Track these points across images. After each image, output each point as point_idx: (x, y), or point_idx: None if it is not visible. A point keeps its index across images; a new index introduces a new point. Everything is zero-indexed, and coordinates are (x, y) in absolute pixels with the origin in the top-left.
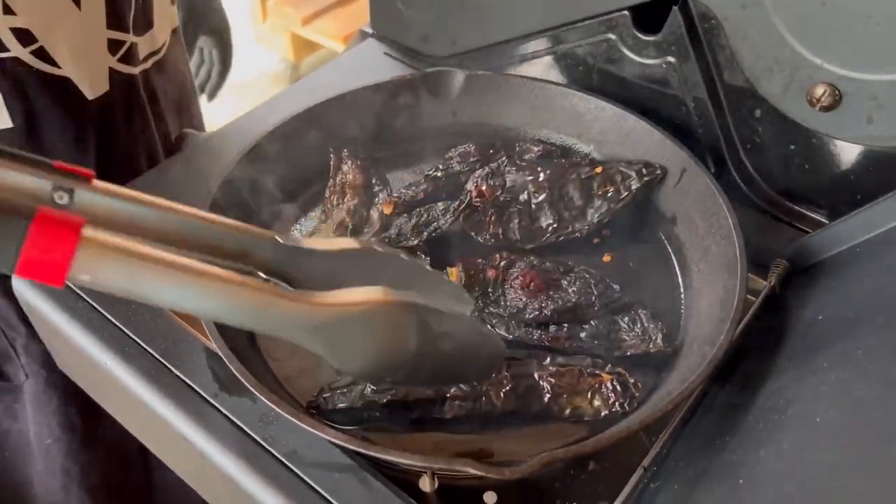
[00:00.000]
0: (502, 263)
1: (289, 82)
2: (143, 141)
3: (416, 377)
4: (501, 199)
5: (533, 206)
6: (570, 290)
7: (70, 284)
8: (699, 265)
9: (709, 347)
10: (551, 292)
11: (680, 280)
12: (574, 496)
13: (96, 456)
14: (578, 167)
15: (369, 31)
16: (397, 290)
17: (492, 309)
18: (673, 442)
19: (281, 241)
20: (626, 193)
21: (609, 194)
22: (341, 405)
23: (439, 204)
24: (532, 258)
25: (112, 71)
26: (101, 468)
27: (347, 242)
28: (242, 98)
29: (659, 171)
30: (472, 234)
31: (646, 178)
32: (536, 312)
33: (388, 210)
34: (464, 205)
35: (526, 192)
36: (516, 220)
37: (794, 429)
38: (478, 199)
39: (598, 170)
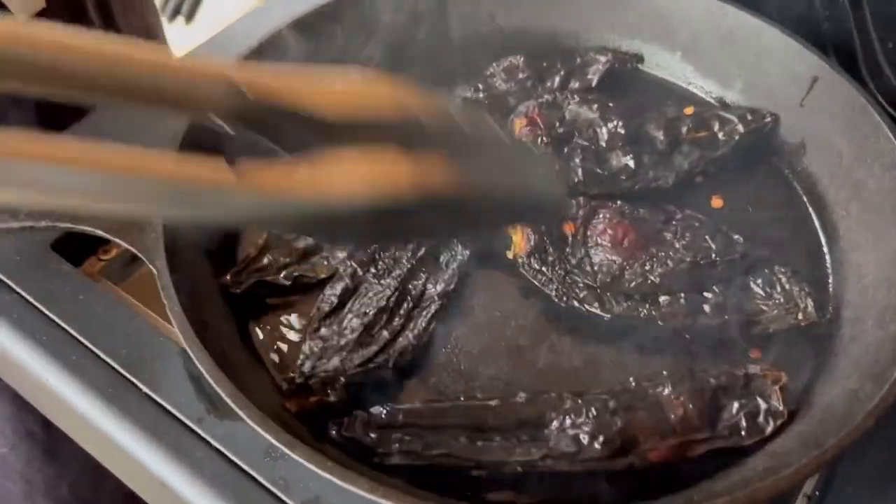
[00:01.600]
0: (581, 213)
1: None
2: None
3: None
4: (560, 130)
5: (602, 144)
6: (677, 246)
7: None
8: (848, 207)
9: None
10: (654, 249)
11: (818, 229)
12: None
13: (63, 468)
14: (660, 105)
15: None
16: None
17: (576, 276)
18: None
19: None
20: (725, 139)
21: (702, 140)
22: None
23: None
24: (620, 203)
25: None
26: (71, 479)
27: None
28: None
29: (769, 120)
30: None
31: (752, 126)
32: (640, 279)
33: None
34: None
35: (591, 129)
36: (578, 157)
37: None
38: (528, 128)
39: (689, 110)
